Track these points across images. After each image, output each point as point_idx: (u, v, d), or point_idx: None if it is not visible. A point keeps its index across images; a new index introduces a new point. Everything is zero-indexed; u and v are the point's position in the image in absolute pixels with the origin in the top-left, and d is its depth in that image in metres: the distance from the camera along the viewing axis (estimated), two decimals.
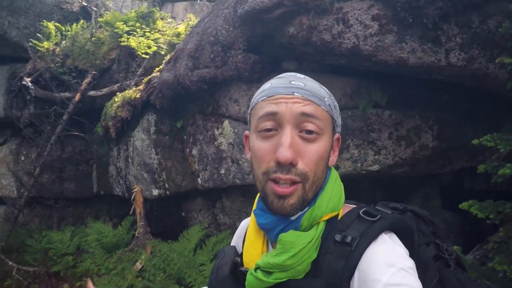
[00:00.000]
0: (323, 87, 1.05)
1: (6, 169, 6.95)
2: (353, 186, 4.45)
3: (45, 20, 7.03)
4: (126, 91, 5.99)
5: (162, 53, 6.41)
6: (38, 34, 6.94)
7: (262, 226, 1.03)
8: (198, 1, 9.30)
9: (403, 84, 4.20)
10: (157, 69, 5.89)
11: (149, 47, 6.45)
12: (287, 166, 0.93)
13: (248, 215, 1.23)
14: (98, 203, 7.06)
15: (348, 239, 0.93)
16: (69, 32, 7.15)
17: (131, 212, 5.96)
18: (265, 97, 1.00)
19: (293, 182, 0.94)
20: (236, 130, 4.83)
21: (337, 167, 4.24)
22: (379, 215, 0.97)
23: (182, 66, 4.92)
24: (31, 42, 6.82)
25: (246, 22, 4.35)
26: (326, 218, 0.99)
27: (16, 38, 6.95)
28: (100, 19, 7.16)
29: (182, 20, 7.90)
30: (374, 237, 0.93)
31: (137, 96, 5.70)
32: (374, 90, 4.24)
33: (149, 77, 5.80)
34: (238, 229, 1.28)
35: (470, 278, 1.08)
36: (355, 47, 3.69)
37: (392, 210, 1.06)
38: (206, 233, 5.44)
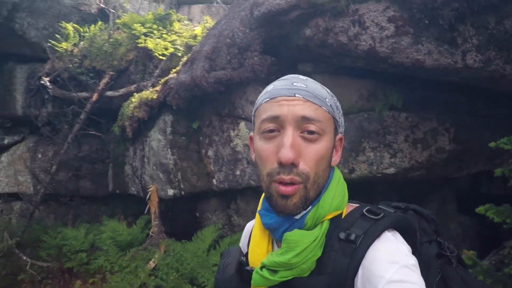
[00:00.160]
0: (325, 88, 1.08)
1: (23, 166, 7.09)
2: (368, 189, 4.43)
3: (63, 21, 7.13)
4: (143, 92, 6.04)
5: (179, 54, 6.46)
6: (57, 35, 7.05)
7: (267, 225, 1.05)
8: (214, 4, 9.34)
9: (419, 86, 4.18)
10: (174, 70, 5.94)
11: (166, 49, 6.51)
12: (289, 166, 0.95)
13: None
14: (113, 202, 7.13)
15: (352, 237, 0.94)
16: (87, 33, 7.25)
17: (146, 211, 5.99)
18: (268, 99, 1.04)
19: (295, 182, 0.96)
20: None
21: (352, 170, 4.23)
22: (382, 214, 0.99)
23: (198, 68, 4.96)
24: (49, 42, 6.93)
25: (262, 24, 4.38)
26: (330, 217, 1.01)
27: (35, 38, 7.05)
28: (117, 21, 7.26)
29: (199, 22, 7.95)
30: (378, 235, 0.94)
31: (154, 97, 5.76)
32: (390, 92, 4.23)
33: (166, 78, 5.84)
34: (243, 231, 1.32)
35: (471, 276, 1.10)
36: (371, 49, 3.69)
37: (395, 209, 1.08)
38: (220, 234, 5.45)
